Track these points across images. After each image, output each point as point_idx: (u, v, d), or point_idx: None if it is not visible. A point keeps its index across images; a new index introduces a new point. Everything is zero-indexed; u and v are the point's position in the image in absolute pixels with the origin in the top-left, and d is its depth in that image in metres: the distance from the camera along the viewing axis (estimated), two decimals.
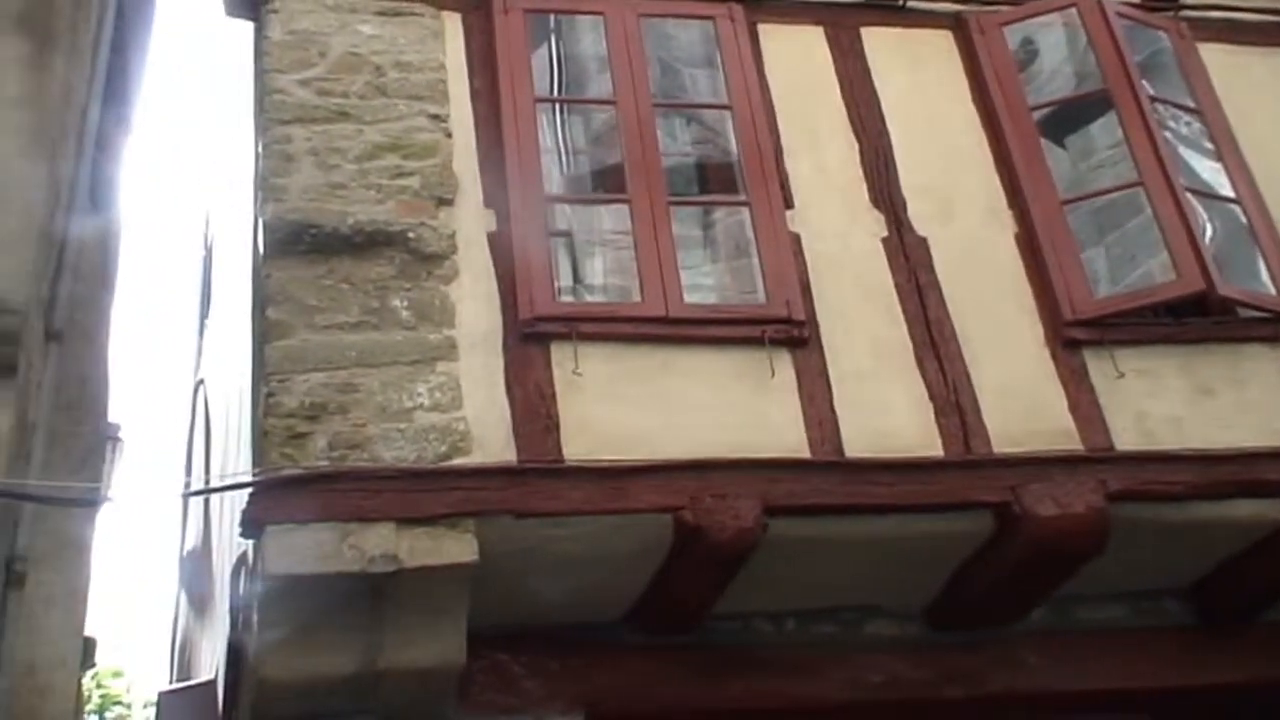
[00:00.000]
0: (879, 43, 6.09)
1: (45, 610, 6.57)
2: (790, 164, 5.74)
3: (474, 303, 5.12)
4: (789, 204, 5.63)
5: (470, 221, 5.30)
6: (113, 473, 9.47)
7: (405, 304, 5.06)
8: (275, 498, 4.60)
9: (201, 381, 9.79)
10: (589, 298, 5.89)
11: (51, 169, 5.43)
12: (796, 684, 5.35)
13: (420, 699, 4.88)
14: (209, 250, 10.76)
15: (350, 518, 4.58)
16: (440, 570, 4.62)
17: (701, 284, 5.91)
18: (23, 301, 5.03)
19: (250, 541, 4.84)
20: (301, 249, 5.07)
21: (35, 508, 5.31)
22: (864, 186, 5.76)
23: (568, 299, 5.67)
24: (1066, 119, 6.55)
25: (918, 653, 5.51)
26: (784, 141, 5.78)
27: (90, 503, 6.62)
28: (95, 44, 6.28)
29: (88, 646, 8.36)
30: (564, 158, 6.54)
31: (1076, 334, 5.47)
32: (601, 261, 6.30)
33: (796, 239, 5.54)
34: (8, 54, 5.44)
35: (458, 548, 4.64)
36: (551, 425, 4.92)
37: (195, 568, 8.73)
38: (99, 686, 17.17)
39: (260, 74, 5.53)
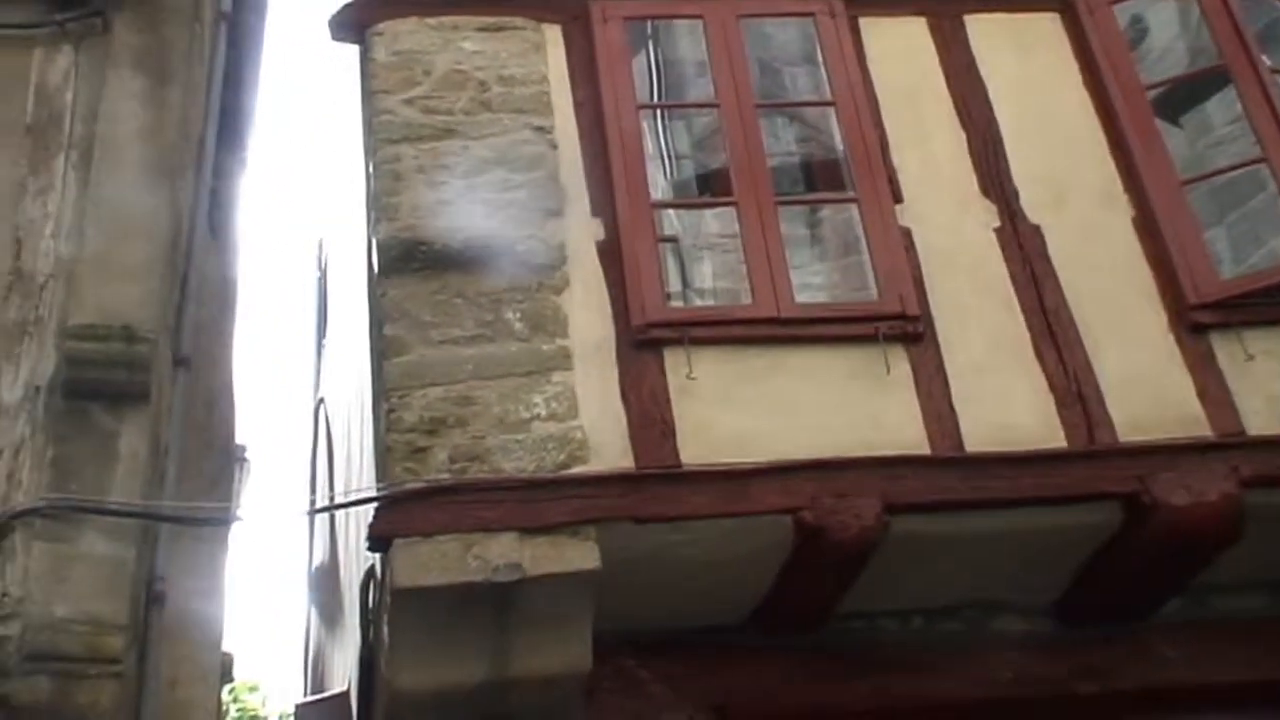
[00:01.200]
0: (983, 30, 6.00)
1: (184, 627, 6.76)
2: (897, 158, 5.69)
3: (585, 312, 5.16)
4: (898, 198, 5.57)
5: (578, 231, 5.34)
6: (242, 493, 9.72)
7: (518, 316, 5.11)
8: (400, 512, 4.68)
9: (322, 401, 10.00)
10: (699, 302, 5.91)
11: (173, 199, 5.59)
12: (924, 683, 5.29)
13: (548, 706, 4.92)
14: (324, 272, 10.99)
15: (473, 528, 4.64)
16: (563, 578, 4.66)
17: (811, 283, 5.89)
18: (152, 329, 5.18)
19: (377, 555, 4.93)
20: (415, 266, 5.16)
21: (171, 528, 5.46)
22: (974, 177, 5.68)
23: (678, 304, 5.70)
24: (1181, 97, 6.40)
25: (1048, 648, 5.41)
26: (890, 135, 5.73)
27: (222, 522, 6.79)
28: (209, 77, 6.44)
29: (226, 662, 8.58)
30: (668, 163, 6.58)
31: (1201, 317, 5.33)
32: (710, 265, 6.31)
33: (907, 233, 5.49)
34: (128, 89, 5.62)
35: (579, 555, 4.68)
36: (667, 431, 4.94)
37: (324, 583, 8.91)
38: (236, 701, 17.62)
39: (367, 96, 5.64)
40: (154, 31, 5.80)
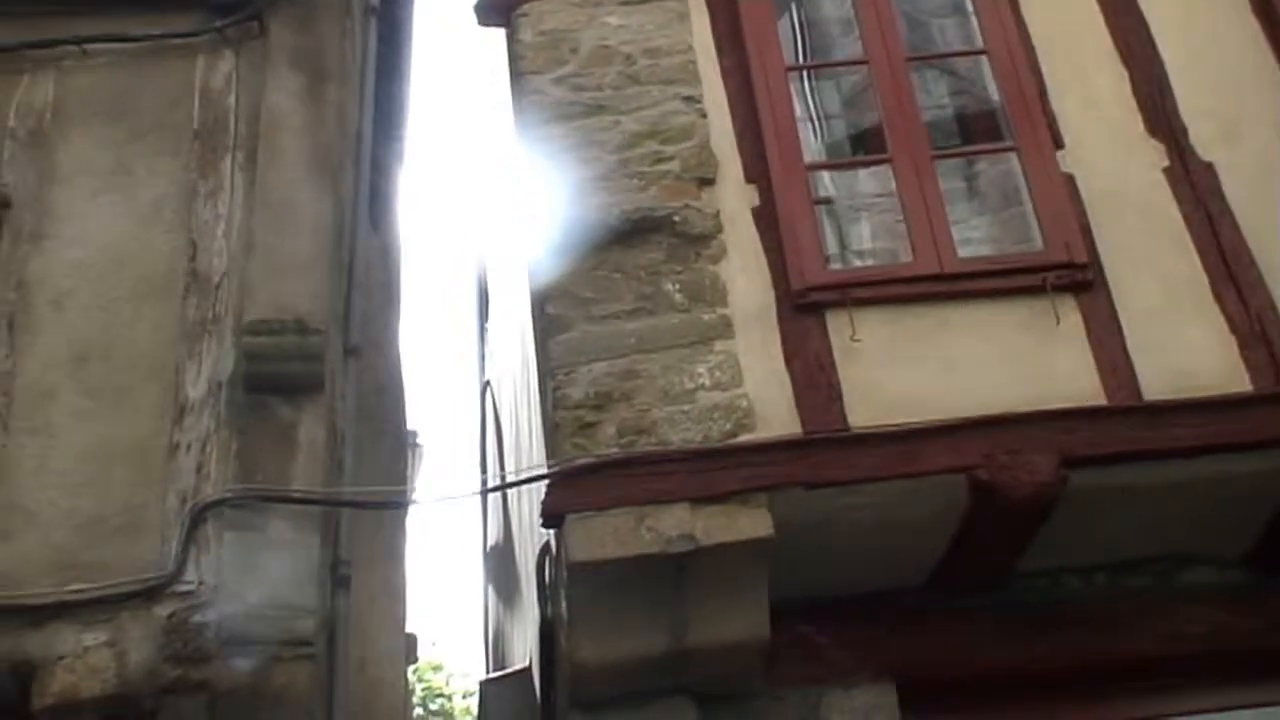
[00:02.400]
0: None
1: (369, 610, 6.97)
2: (1056, 103, 5.52)
3: (745, 279, 5.14)
4: (1059, 144, 5.42)
5: (733, 199, 5.32)
6: (415, 477, 9.97)
7: (677, 287, 5.12)
8: (572, 488, 4.73)
9: (488, 384, 10.17)
10: (858, 263, 5.82)
11: (336, 193, 5.74)
12: (1111, 639, 5.15)
13: (729, 675, 4.92)
14: (482, 258, 11.17)
15: (645, 501, 4.66)
16: (737, 546, 4.65)
17: (971, 238, 5.75)
18: (323, 321, 5.33)
19: (551, 531, 5.00)
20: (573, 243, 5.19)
21: (351, 513, 5.62)
22: (1139, 117, 5.49)
23: (837, 266, 5.62)
24: None
25: (1242, 600, 5.21)
26: (1047, 80, 5.57)
27: (398, 505, 6.99)
28: (362, 71, 6.59)
29: (410, 642, 8.84)
30: (818, 125, 6.48)
31: None
32: (867, 226, 6.22)
33: (1070, 179, 5.33)
34: (287, 88, 5.78)
35: (752, 523, 4.66)
36: (834, 394, 4.90)
37: (499, 562, 9.07)
38: (420, 680, 18.10)
39: (516, 77, 5.69)
40: (308, 30, 5.96)
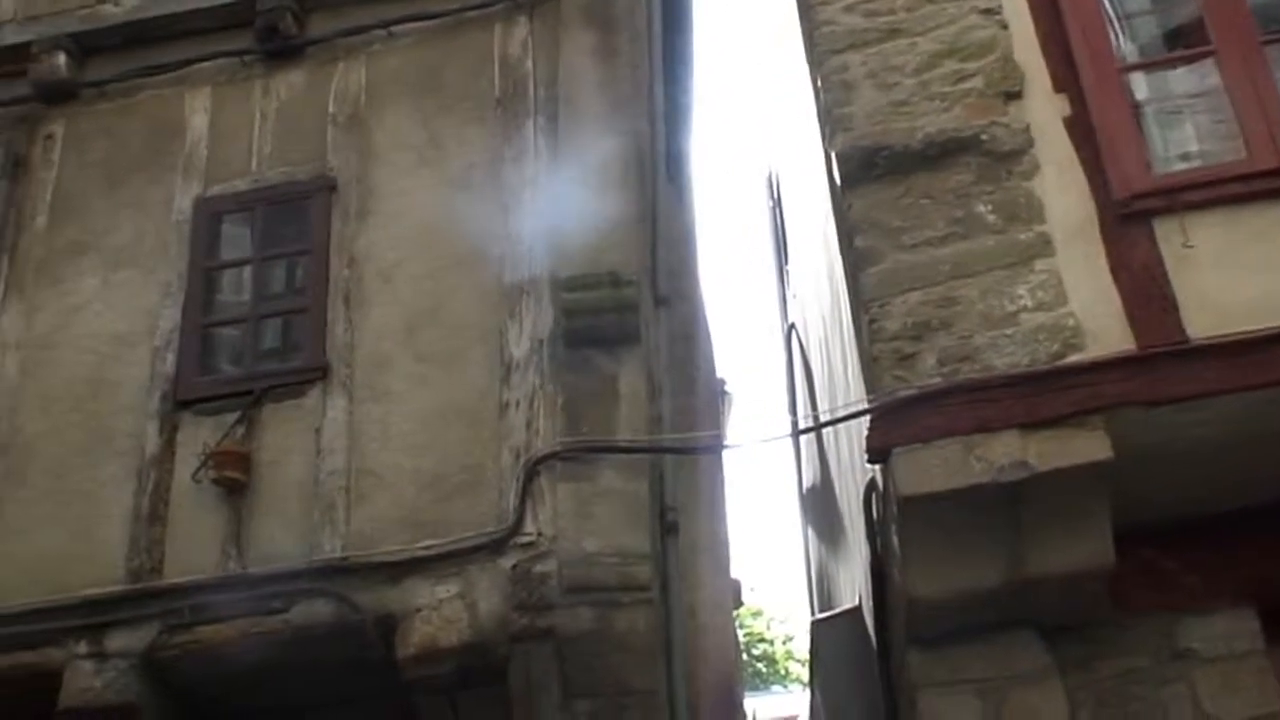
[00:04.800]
0: None
1: (694, 556, 7.09)
2: None
3: (1061, 193, 4.91)
4: None
5: (1043, 111, 5.08)
6: (726, 424, 10.05)
7: (989, 208, 4.94)
8: (895, 421, 4.64)
9: (792, 326, 10.13)
10: (1183, 165, 5.47)
11: (635, 147, 5.81)
12: None
13: (1072, 604, 4.75)
14: (777, 200, 11.11)
15: (972, 430, 4.53)
16: (1073, 471, 4.47)
17: None
18: (634, 272, 5.43)
19: (876, 467, 4.93)
20: (877, 173, 5.08)
21: (674, 461, 5.71)
22: None
23: (1160, 171, 5.29)
24: None
25: None
26: None
27: (714, 450, 7.06)
28: (649, 25, 6.63)
29: (735, 588, 8.95)
30: (1124, 25, 6.11)
31: None
32: (1188, 127, 5.83)
33: None
34: (580, 46, 5.89)
35: (1088, 446, 4.47)
36: (1168, 305, 4.62)
37: (818, 503, 9.05)
38: (740, 626, 18.35)
39: (805, 10, 5.60)
40: None
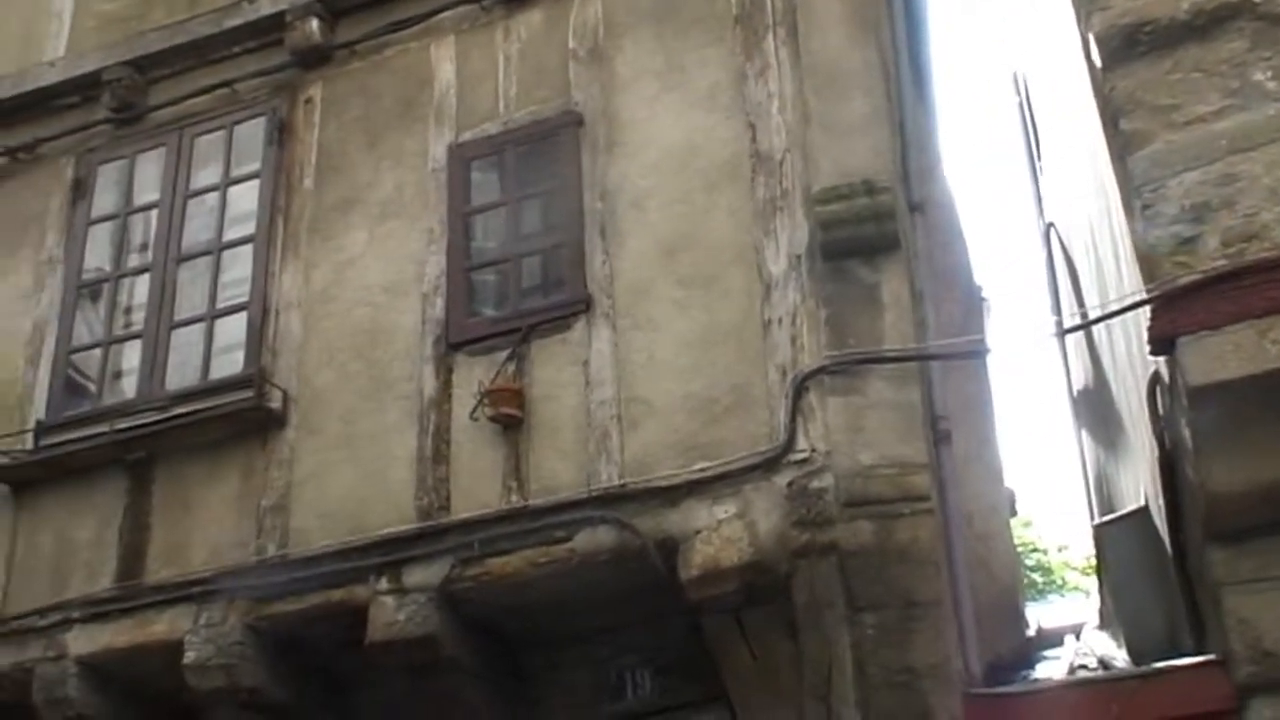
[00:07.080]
0: None
1: (966, 465, 6.94)
2: None
3: None
4: None
5: None
6: (986, 330, 9.77)
7: (1269, 75, 4.64)
8: (1179, 309, 4.43)
9: (1051, 225, 9.75)
10: None
11: (878, 51, 5.66)
12: None
13: None
14: (1025, 96, 10.68)
15: (1265, 312, 4.30)
16: None
17: None
18: (889, 179, 5.31)
19: (1161, 359, 4.71)
20: (1140, 50, 4.83)
21: (941, 369, 5.59)
22: None
23: None
24: None
25: None
26: None
27: (978, 354, 6.86)
28: None
29: (1009, 496, 8.75)
30: None
31: None
32: None
33: None
34: None
35: None
36: None
37: (1092, 404, 8.73)
38: (1014, 536, 17.90)
39: None
40: None
